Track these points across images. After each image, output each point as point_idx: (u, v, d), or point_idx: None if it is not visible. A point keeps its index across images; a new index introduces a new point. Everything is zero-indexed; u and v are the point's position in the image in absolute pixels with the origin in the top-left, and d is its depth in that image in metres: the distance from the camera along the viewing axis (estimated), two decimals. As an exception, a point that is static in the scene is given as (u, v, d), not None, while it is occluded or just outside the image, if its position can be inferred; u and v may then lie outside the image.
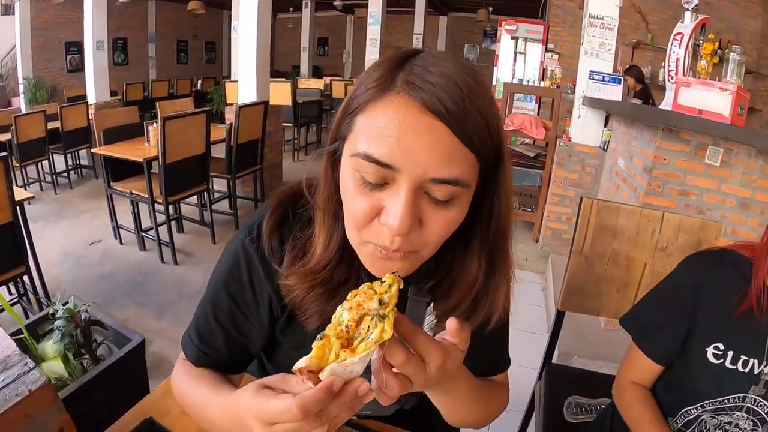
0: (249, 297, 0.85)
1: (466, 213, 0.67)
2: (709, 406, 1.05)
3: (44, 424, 0.80)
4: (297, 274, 0.76)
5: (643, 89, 5.87)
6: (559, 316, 1.67)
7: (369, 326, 0.57)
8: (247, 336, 0.89)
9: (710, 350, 1.03)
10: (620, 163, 3.44)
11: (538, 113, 5.66)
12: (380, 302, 0.58)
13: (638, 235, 1.54)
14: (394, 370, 0.60)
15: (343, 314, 0.58)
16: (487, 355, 0.94)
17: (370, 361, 0.58)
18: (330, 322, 0.58)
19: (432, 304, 0.80)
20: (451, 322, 0.62)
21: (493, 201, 0.70)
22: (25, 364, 0.84)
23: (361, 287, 0.59)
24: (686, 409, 1.09)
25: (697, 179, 2.64)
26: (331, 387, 0.55)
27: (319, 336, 0.57)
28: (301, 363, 0.55)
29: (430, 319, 0.82)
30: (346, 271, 0.76)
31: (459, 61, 0.63)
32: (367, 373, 0.58)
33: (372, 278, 0.70)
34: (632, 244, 1.55)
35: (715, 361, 1.03)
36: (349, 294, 0.59)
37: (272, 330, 0.90)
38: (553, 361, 1.78)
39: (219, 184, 5.21)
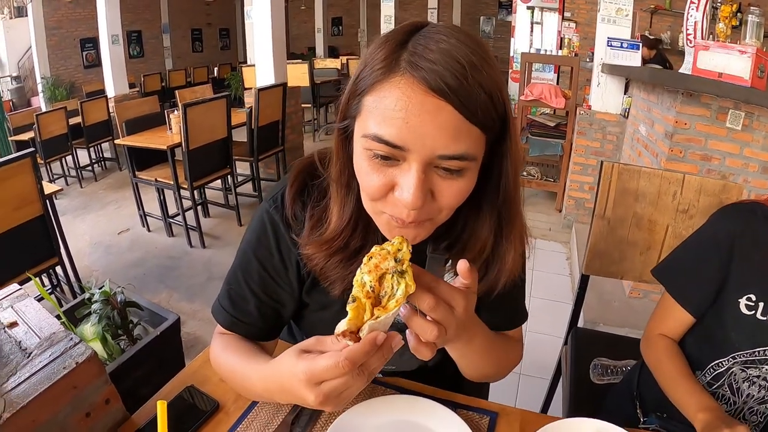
0: (277, 262, 0.90)
1: (476, 180, 0.71)
2: (740, 357, 1.05)
3: (91, 395, 0.84)
4: (314, 243, 0.81)
5: (658, 55, 5.77)
6: (584, 280, 1.67)
7: (392, 284, 0.61)
8: (278, 301, 0.94)
9: (743, 301, 1.03)
10: (641, 129, 3.40)
11: (557, 83, 5.57)
12: (395, 260, 0.62)
13: (659, 198, 1.54)
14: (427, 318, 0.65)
15: (363, 277, 0.62)
16: (503, 310, 0.99)
17: (395, 318, 0.63)
18: (351, 287, 0.63)
19: (450, 261, 0.86)
20: (462, 263, 0.67)
21: (501, 167, 0.73)
22: (71, 339, 0.88)
23: (373, 249, 0.64)
24: (716, 361, 1.09)
25: (719, 143, 2.60)
26: (375, 340, 0.61)
27: (351, 299, 0.61)
28: (342, 326, 0.61)
29: (449, 276, 0.87)
30: (362, 239, 0.81)
31: (460, 34, 0.65)
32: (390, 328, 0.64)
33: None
34: (654, 207, 1.55)
35: (747, 312, 1.03)
36: (365, 258, 0.63)
37: (300, 292, 0.94)
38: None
39: (242, 168, 5.27)
